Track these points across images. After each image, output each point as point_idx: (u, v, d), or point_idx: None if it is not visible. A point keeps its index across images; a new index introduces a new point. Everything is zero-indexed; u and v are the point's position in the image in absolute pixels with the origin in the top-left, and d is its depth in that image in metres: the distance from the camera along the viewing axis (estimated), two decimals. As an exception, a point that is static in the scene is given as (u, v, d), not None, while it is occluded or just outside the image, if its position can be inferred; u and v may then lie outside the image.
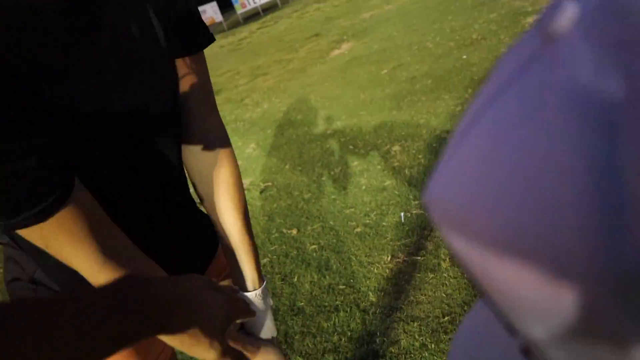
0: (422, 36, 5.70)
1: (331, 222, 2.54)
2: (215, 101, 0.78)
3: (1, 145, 0.45)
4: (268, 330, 0.73)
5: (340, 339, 1.76)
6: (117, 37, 0.58)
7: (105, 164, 0.61)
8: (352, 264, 2.14)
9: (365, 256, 2.16)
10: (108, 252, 0.54)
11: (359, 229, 2.38)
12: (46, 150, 0.49)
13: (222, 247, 0.77)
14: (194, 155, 0.75)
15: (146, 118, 0.64)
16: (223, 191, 0.74)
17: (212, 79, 0.79)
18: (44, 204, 0.48)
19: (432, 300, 1.77)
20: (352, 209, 2.59)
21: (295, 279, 2.18)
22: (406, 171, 2.75)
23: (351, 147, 3.39)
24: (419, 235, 2.16)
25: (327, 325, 1.84)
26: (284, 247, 2.48)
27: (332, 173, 3.11)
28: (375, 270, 2.04)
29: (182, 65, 0.71)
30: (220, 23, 18.65)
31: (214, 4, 18.60)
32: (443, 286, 1.82)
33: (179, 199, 0.77)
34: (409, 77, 4.38)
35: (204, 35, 0.74)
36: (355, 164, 3.11)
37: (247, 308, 0.64)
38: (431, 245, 2.06)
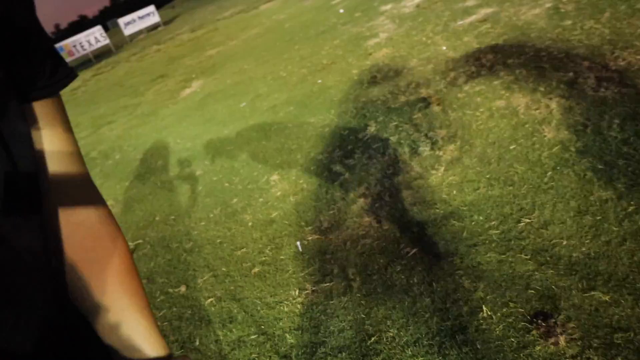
0: (273, 67, 5.79)
1: (223, 269, 2.29)
2: (84, 163, 0.56)
3: None
4: None
5: (266, 398, 1.54)
6: None
7: None
8: (259, 308, 1.93)
9: (271, 296, 1.97)
10: None
11: (256, 269, 2.18)
12: None
13: None
14: (64, 243, 0.52)
15: None
16: (118, 288, 0.53)
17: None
18: None
19: (352, 324, 1.67)
20: (244, 249, 2.38)
21: (197, 343, 1.88)
22: (291, 198, 2.66)
23: (226, 184, 3.18)
24: (321, 260, 2.06)
25: (247, 387, 1.60)
26: (175, 309, 2.15)
27: (211, 215, 2.86)
28: (285, 309, 1.87)
29: (33, 113, 0.48)
30: (44, 75, 16.69)
31: (33, 54, 16.60)
32: (359, 307, 1.73)
33: (53, 316, 0.50)
34: (270, 106, 4.37)
35: (61, 70, 0.50)
36: (234, 201, 2.91)
37: None
38: (336, 268, 1.97)
